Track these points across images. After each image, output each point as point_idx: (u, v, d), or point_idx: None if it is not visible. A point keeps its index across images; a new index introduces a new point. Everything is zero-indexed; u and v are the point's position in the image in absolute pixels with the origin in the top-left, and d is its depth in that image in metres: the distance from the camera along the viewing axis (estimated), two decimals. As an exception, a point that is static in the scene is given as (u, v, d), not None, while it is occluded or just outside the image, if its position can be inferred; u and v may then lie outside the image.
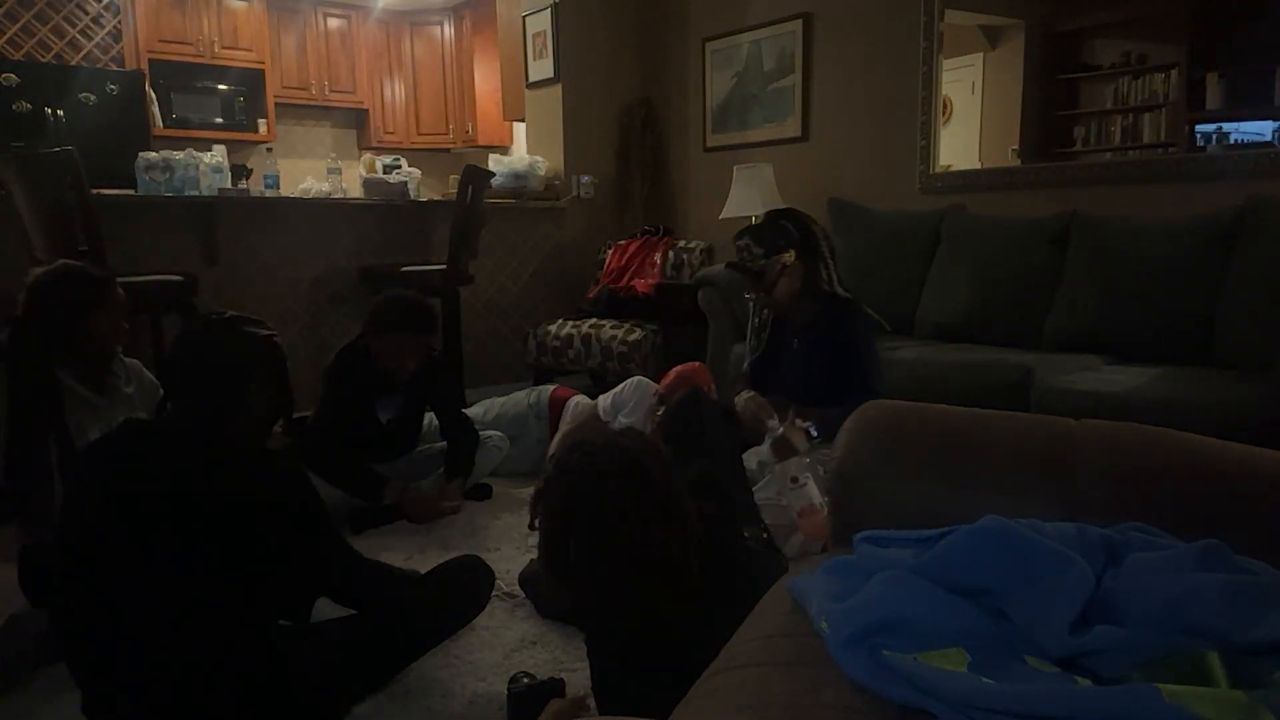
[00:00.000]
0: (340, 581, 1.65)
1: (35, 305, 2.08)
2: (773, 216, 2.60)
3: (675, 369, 3.06)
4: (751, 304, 2.74)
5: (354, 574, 1.66)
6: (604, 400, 3.12)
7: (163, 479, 1.42)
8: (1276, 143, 2.99)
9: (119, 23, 5.69)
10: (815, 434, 2.39)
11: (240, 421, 1.57)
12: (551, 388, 3.45)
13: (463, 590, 1.93)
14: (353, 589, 1.68)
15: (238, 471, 1.47)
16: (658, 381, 3.11)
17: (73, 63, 5.47)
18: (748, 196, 4.11)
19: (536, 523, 1.47)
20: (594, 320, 4.26)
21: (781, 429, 2.43)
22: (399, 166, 4.91)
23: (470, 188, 3.85)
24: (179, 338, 1.69)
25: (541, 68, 5.01)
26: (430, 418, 3.10)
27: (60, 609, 1.55)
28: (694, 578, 1.35)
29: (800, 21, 4.25)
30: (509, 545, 2.57)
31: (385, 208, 4.30)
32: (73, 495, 1.52)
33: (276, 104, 6.43)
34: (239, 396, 1.56)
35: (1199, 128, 3.18)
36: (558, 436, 3.15)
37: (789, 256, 2.50)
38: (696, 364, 3.16)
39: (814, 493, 2.27)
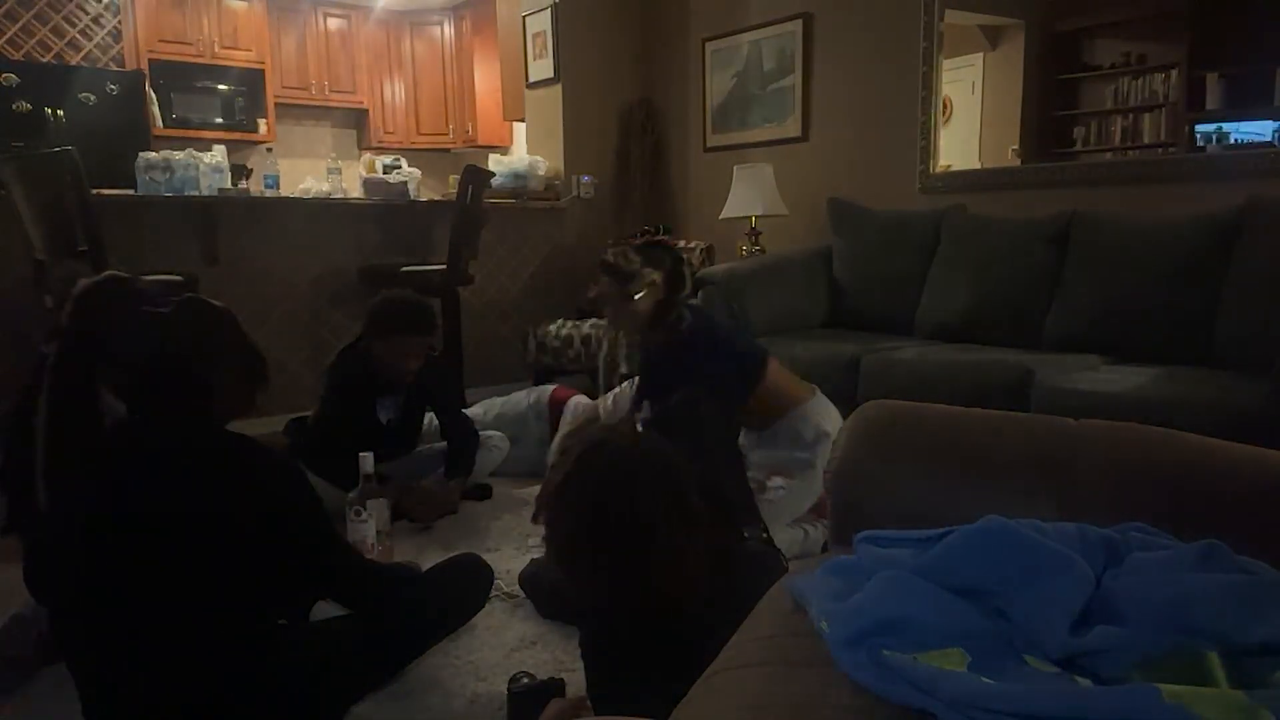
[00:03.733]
0: (337, 582, 1.65)
1: (83, 322, 1.93)
2: (650, 243, 2.61)
3: None
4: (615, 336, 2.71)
5: (351, 574, 1.65)
6: (604, 401, 3.12)
7: (157, 480, 1.42)
8: (1276, 143, 2.99)
9: (119, 23, 5.69)
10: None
11: (221, 399, 1.54)
12: (551, 388, 3.45)
13: (462, 589, 1.93)
14: (350, 590, 1.67)
15: (234, 470, 1.46)
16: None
17: (73, 63, 5.48)
18: (748, 196, 4.11)
19: (541, 517, 1.44)
20: (594, 320, 4.26)
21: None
22: (399, 166, 4.92)
23: (470, 188, 3.85)
24: (132, 335, 1.62)
25: (541, 68, 5.01)
26: (430, 418, 3.10)
27: (58, 612, 1.54)
28: (705, 578, 1.35)
29: (800, 21, 4.25)
30: (509, 545, 2.57)
31: (385, 208, 4.30)
32: (67, 498, 1.51)
33: (276, 104, 6.43)
34: (201, 379, 1.51)
35: (1199, 128, 3.19)
36: (558, 436, 3.15)
37: (657, 276, 2.46)
38: None
39: (370, 531, 2.24)
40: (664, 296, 2.44)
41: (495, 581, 2.10)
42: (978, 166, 3.79)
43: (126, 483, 1.43)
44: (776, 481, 2.35)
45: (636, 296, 2.42)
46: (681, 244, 4.62)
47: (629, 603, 1.36)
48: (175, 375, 1.50)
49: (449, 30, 7.00)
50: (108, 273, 2.08)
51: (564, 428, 3.17)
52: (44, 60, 5.39)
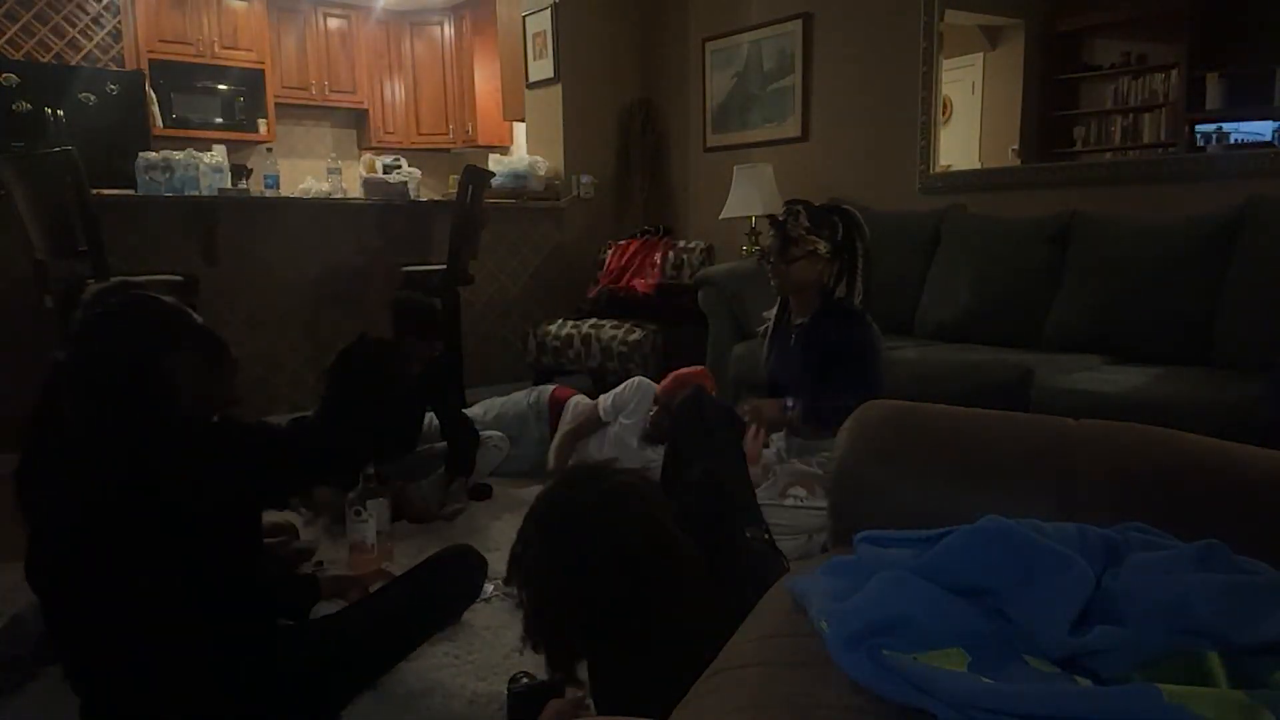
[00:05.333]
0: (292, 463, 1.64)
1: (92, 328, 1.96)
2: (829, 208, 2.52)
3: (675, 373, 3.06)
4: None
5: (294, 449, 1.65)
6: (604, 400, 3.12)
7: (134, 481, 1.39)
8: (1276, 143, 2.99)
9: (119, 23, 5.69)
10: (790, 405, 2.36)
11: (180, 399, 1.48)
12: (551, 388, 3.45)
13: (453, 580, 1.92)
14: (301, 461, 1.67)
15: (203, 459, 1.44)
16: (658, 382, 3.11)
17: (73, 63, 5.47)
18: (748, 196, 4.11)
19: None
20: (594, 320, 4.26)
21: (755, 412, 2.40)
22: (399, 166, 4.92)
23: (470, 188, 3.85)
24: (71, 348, 1.54)
25: (541, 68, 5.01)
26: (430, 418, 3.10)
27: (53, 613, 1.54)
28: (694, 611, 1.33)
29: (800, 21, 4.25)
30: (509, 545, 2.55)
31: (385, 208, 4.30)
32: (42, 512, 1.49)
33: (276, 104, 6.43)
34: (158, 378, 1.45)
35: (1199, 128, 3.18)
36: (558, 436, 3.15)
37: (823, 246, 2.44)
38: (698, 368, 3.16)
39: (370, 531, 2.28)
40: (826, 268, 2.44)
41: (495, 581, 2.10)
42: (978, 166, 3.79)
43: (103, 485, 1.41)
44: (798, 491, 2.35)
45: (793, 261, 2.43)
46: (681, 244, 4.62)
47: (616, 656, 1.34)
48: (125, 375, 1.44)
49: (449, 30, 7.00)
50: (116, 279, 2.05)
51: (564, 427, 3.17)
52: (44, 60, 5.39)
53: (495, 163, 4.80)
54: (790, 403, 2.37)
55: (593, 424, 3.11)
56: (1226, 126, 3.14)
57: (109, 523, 1.37)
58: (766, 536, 1.87)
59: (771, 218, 2.54)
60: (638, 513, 1.31)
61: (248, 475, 1.49)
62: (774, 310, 2.66)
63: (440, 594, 1.86)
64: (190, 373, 1.49)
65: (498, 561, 2.32)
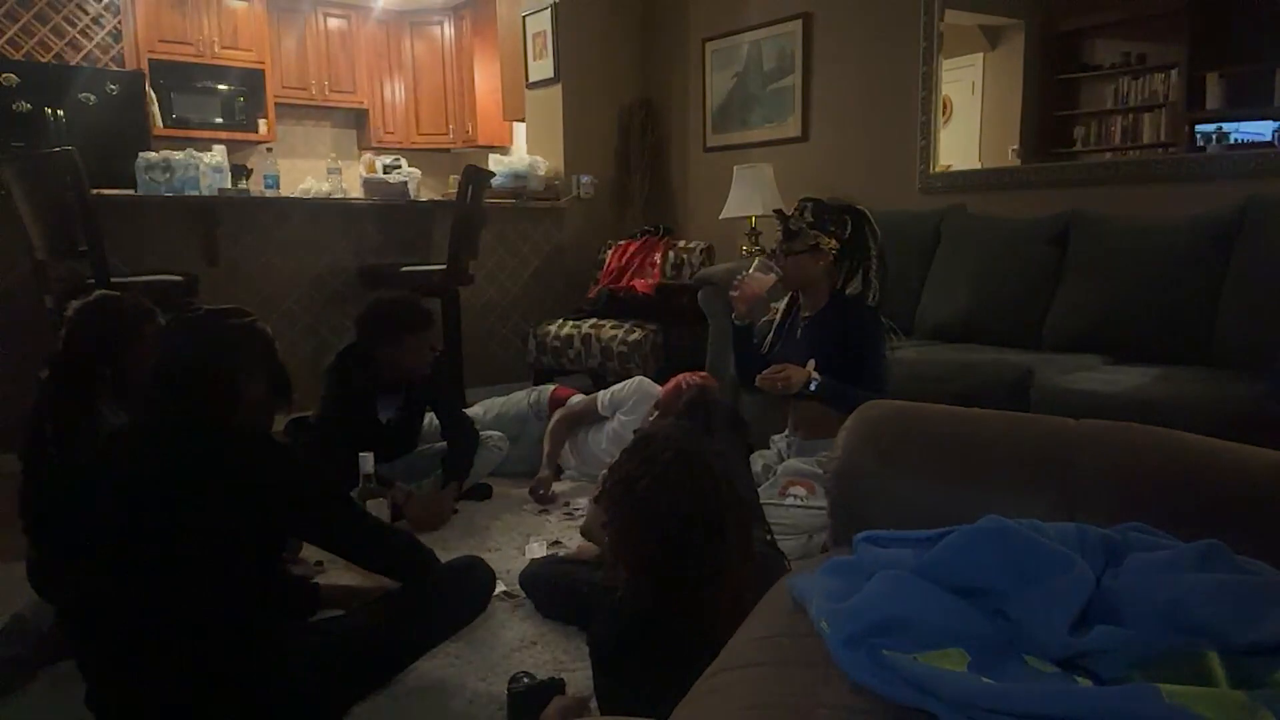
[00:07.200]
0: (365, 550, 1.69)
1: (74, 341, 2.00)
2: (842, 207, 2.54)
3: (676, 379, 3.05)
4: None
5: (375, 541, 1.70)
6: (603, 395, 3.12)
7: (167, 473, 1.43)
8: (1276, 143, 2.99)
9: (119, 23, 5.69)
10: (815, 381, 2.37)
11: (238, 411, 1.56)
12: (551, 388, 3.45)
13: (463, 591, 1.93)
14: (380, 556, 1.72)
15: (240, 460, 1.48)
16: (658, 382, 3.11)
17: (73, 63, 5.47)
18: (748, 196, 4.11)
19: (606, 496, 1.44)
20: (594, 320, 4.26)
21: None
22: (399, 166, 4.91)
23: (470, 188, 3.85)
24: (161, 339, 1.67)
25: (541, 68, 5.01)
26: (430, 418, 3.10)
27: (66, 603, 1.55)
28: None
29: (800, 21, 4.25)
30: (509, 545, 2.57)
31: (385, 208, 4.31)
32: (79, 491, 1.51)
33: (276, 104, 6.43)
34: (231, 387, 1.55)
35: (1199, 128, 3.18)
36: (553, 419, 3.16)
37: (827, 242, 2.47)
38: (700, 373, 3.15)
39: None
40: (834, 265, 2.47)
41: (495, 582, 2.10)
42: (978, 166, 3.79)
43: (136, 483, 1.43)
44: (798, 491, 2.35)
45: (794, 254, 2.47)
46: (681, 244, 4.62)
47: (672, 603, 1.36)
48: (208, 377, 1.53)
49: (449, 30, 7.00)
50: (98, 294, 2.11)
51: (560, 412, 3.19)
52: (44, 60, 5.39)
53: (495, 163, 4.80)
54: (815, 371, 2.37)
55: (590, 414, 3.12)
56: (1226, 126, 3.14)
57: (140, 515, 1.39)
58: (767, 536, 1.87)
59: (778, 211, 2.58)
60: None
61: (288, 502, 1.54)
62: (782, 303, 2.67)
63: (450, 605, 1.87)
64: (259, 396, 1.59)
65: (498, 561, 2.33)
